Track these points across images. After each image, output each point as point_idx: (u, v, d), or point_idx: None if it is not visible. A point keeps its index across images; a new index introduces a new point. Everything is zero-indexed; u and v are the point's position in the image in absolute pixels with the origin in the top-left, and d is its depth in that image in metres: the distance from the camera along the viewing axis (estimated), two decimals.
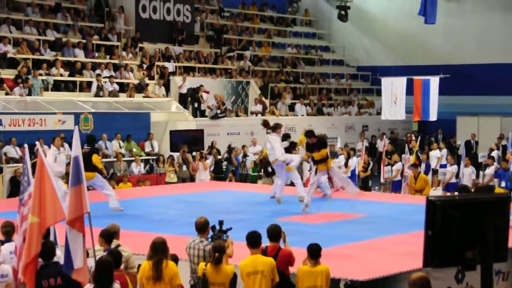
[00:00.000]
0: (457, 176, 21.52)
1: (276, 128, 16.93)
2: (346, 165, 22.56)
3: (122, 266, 8.28)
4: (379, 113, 29.88)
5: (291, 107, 30.69)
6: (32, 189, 8.37)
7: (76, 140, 8.49)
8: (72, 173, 8.27)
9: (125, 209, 15.48)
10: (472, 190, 20.81)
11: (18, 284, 8.49)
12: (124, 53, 27.35)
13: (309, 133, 16.12)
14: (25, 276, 8.12)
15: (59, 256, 8.62)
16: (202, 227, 9.04)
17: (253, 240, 8.61)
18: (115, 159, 22.72)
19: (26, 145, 9.94)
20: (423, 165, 22.39)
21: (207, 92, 27.24)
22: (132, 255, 8.87)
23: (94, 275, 7.53)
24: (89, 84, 24.73)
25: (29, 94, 22.55)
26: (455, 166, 21.72)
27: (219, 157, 24.53)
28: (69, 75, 24.81)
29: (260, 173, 24.54)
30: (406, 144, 23.81)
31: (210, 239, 9.02)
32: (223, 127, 26.81)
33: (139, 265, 8.53)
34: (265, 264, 8.43)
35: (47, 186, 8.25)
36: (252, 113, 28.85)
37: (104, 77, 25.04)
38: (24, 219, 8.49)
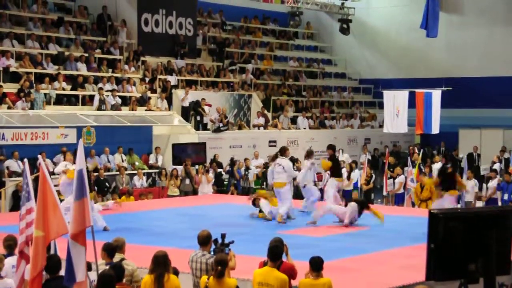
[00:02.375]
0: None
1: (285, 151, 16.96)
2: (348, 178, 22.57)
3: (124, 280, 8.26)
4: (381, 126, 29.86)
5: (293, 120, 30.70)
6: (32, 204, 8.36)
7: (80, 153, 8.47)
8: (76, 187, 8.24)
9: (127, 222, 15.48)
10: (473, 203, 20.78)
11: None
12: (126, 67, 27.39)
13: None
14: None
15: None
16: (204, 240, 9.03)
17: (273, 254, 8.59)
18: (118, 173, 22.73)
19: (26, 160, 9.94)
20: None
21: (209, 105, 27.27)
22: (136, 269, 8.85)
23: None
24: (92, 97, 24.76)
25: (32, 108, 22.56)
26: None
27: (220, 170, 24.53)
28: (72, 89, 24.84)
29: (263, 186, 24.51)
30: (409, 157, 23.80)
31: (212, 252, 9.01)
32: (225, 140, 26.82)
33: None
34: (277, 279, 8.39)
35: (50, 199, 8.24)
36: (254, 126, 28.86)
37: (107, 91, 25.07)
38: (21, 233, 8.48)
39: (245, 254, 10.72)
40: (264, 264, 8.78)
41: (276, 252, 8.60)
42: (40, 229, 8.15)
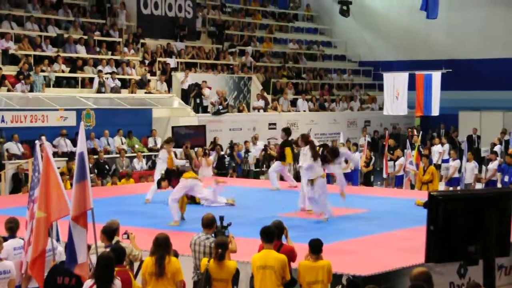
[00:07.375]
0: (459, 171, 21.50)
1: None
2: (346, 160, 22.51)
3: (124, 263, 8.27)
4: (381, 108, 29.83)
5: (293, 103, 30.68)
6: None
7: (81, 136, 8.46)
8: (76, 169, 8.24)
9: (127, 205, 15.48)
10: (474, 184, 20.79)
11: (23, 279, 8.50)
12: (125, 49, 27.34)
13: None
14: (32, 271, 8.13)
15: (61, 251, 8.62)
16: (208, 223, 9.04)
17: (266, 235, 8.61)
18: (118, 155, 22.74)
19: (37, 142, 9.94)
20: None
21: (209, 88, 27.24)
22: (132, 248, 8.88)
23: (95, 271, 7.52)
24: (91, 80, 24.73)
25: (31, 90, 22.55)
26: (458, 161, 21.69)
27: (223, 153, 24.52)
28: (71, 71, 24.82)
29: (263, 169, 24.52)
30: (408, 139, 23.78)
31: (213, 235, 9.03)
32: (225, 123, 26.81)
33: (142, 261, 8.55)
34: (277, 260, 8.43)
35: (53, 180, 8.25)
36: (254, 108, 28.84)
37: (106, 73, 25.04)
38: (34, 216, 8.49)
39: (244, 236, 10.74)
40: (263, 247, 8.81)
41: (268, 233, 8.63)
42: (43, 210, 8.18)
